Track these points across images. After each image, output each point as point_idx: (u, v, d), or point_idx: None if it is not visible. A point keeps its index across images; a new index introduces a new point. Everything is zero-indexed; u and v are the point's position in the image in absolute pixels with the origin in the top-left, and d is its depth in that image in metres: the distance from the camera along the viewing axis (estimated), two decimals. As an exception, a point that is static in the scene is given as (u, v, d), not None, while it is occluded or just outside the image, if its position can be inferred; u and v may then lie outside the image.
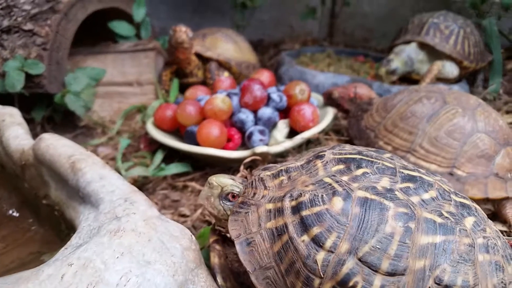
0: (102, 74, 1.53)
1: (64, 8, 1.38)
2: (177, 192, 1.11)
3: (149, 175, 1.11)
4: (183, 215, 1.00)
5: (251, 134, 1.17)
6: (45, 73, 1.31)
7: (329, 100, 1.36)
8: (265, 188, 0.66)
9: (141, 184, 1.12)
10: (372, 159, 0.64)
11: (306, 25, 2.50)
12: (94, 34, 1.66)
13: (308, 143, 1.25)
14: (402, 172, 0.63)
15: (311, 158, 0.68)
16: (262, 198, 0.65)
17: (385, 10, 2.41)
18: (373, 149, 0.72)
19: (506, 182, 0.95)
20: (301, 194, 0.60)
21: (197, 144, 1.15)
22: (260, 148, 1.09)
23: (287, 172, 0.67)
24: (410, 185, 0.61)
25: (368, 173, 0.62)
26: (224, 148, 1.16)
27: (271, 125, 1.22)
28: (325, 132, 1.31)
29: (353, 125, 1.20)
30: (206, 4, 2.48)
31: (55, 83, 1.35)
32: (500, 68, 1.79)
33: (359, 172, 0.62)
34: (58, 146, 0.78)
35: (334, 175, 0.62)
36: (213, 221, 0.90)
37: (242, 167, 1.07)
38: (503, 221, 0.97)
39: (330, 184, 0.60)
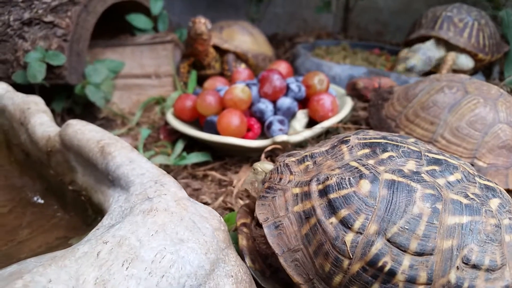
0: (121, 67, 1.54)
1: (84, 0, 1.39)
2: (198, 181, 1.12)
3: (171, 164, 1.12)
4: (205, 203, 1.01)
5: (270, 124, 1.17)
6: (66, 64, 1.33)
7: (353, 90, 1.37)
8: (291, 173, 0.67)
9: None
10: (397, 143, 0.65)
11: (320, 19, 2.51)
12: (112, 27, 1.67)
13: (327, 133, 1.26)
14: (428, 156, 0.64)
15: (335, 143, 0.68)
16: (288, 182, 0.66)
17: (399, 4, 2.40)
18: (397, 134, 0.73)
19: (528, 173, 0.95)
20: (328, 177, 0.60)
21: (217, 133, 1.16)
22: (280, 137, 1.10)
23: (312, 157, 0.68)
24: (436, 167, 0.62)
25: (394, 157, 0.62)
26: (243, 137, 1.17)
27: (290, 115, 1.23)
28: (343, 122, 1.32)
29: (373, 114, 1.20)
30: (220, -2, 2.50)
31: (76, 74, 1.37)
32: (516, 59, 1.78)
33: (385, 155, 0.63)
34: (86, 132, 0.79)
35: (360, 159, 0.63)
36: (236, 208, 0.91)
37: (263, 156, 1.07)
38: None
39: (356, 168, 0.61)
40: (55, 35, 1.34)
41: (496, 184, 0.66)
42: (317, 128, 1.17)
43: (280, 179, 0.67)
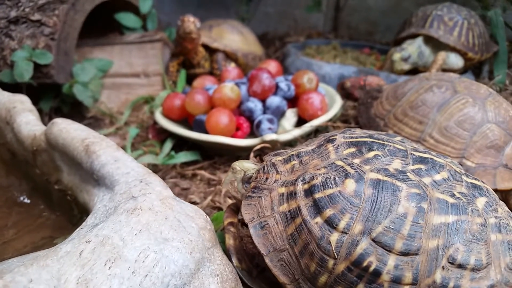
0: (109, 65, 1.53)
1: (72, -2, 1.38)
2: (187, 181, 1.11)
3: (159, 163, 1.11)
4: (193, 203, 1.00)
5: (259, 123, 1.17)
6: (53, 63, 1.32)
7: (343, 90, 1.37)
8: (277, 172, 0.67)
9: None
10: (383, 142, 0.65)
11: (311, 19, 2.51)
12: (101, 26, 1.66)
13: (317, 132, 1.25)
14: (414, 154, 0.63)
15: (322, 142, 0.68)
16: (274, 182, 0.65)
17: (389, 4, 2.41)
18: (383, 133, 0.72)
19: (516, 173, 0.95)
20: (313, 177, 0.60)
21: (206, 133, 1.15)
22: (269, 136, 1.10)
23: (298, 156, 0.68)
24: (422, 166, 0.61)
25: (379, 156, 0.62)
26: (232, 136, 1.16)
27: (279, 114, 1.23)
28: (333, 121, 1.32)
29: (362, 113, 1.20)
30: (210, -3, 2.49)
31: (63, 73, 1.36)
32: (505, 58, 1.79)
33: (371, 154, 0.63)
34: (71, 130, 0.79)
35: (345, 158, 0.62)
36: (224, 208, 0.91)
37: (252, 155, 1.07)
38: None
39: (342, 167, 0.61)
40: (43, 34, 1.33)
41: (483, 182, 0.66)
42: (306, 127, 1.16)
43: (266, 178, 0.67)
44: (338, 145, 0.65)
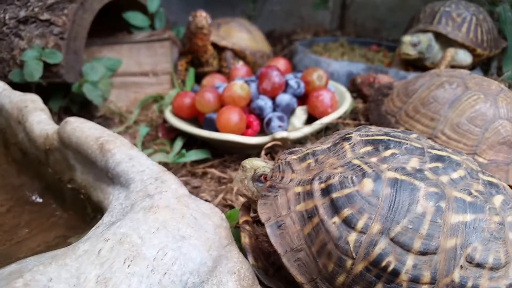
0: (118, 64, 1.53)
1: (81, -2, 1.39)
2: (197, 179, 1.11)
3: (170, 162, 1.11)
4: (205, 201, 1.00)
5: (269, 121, 1.17)
6: (63, 63, 1.32)
7: (353, 86, 1.37)
8: (293, 171, 0.66)
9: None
10: (400, 140, 0.64)
11: (317, 16, 2.50)
12: (109, 25, 1.66)
13: (327, 129, 1.25)
14: (430, 152, 0.63)
15: (337, 141, 0.68)
16: (290, 181, 0.65)
17: (395, 1, 2.40)
18: (399, 130, 0.72)
19: (528, 168, 0.95)
20: (330, 176, 0.60)
21: (216, 131, 1.15)
22: (280, 134, 1.09)
23: (314, 155, 0.67)
24: (439, 164, 0.61)
25: (396, 154, 0.62)
26: (243, 134, 1.16)
27: (289, 112, 1.22)
28: (343, 118, 1.31)
29: (373, 110, 1.20)
30: (217, -4, 2.49)
31: (73, 72, 1.36)
32: (514, 55, 1.78)
33: (388, 153, 0.62)
34: (84, 129, 0.78)
35: (362, 157, 0.62)
36: (236, 206, 0.91)
37: (263, 153, 1.07)
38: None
39: (359, 166, 0.60)
40: (52, 33, 1.33)
41: (500, 180, 0.66)
42: (317, 125, 1.16)
43: (282, 177, 0.66)
44: (354, 144, 0.65)
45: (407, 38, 1.61)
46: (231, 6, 2.51)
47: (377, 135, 0.66)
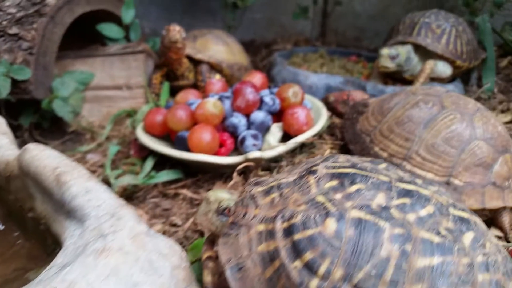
0: (90, 78, 1.50)
1: (51, 11, 1.35)
2: (168, 200, 1.08)
3: (139, 184, 1.08)
4: (174, 225, 0.97)
5: (244, 139, 1.14)
6: (32, 79, 1.28)
7: (327, 104, 1.34)
8: (257, 206, 0.63)
9: (131, 192, 1.09)
10: (367, 173, 0.61)
11: (298, 25, 2.48)
12: (83, 37, 1.62)
13: (302, 147, 1.23)
14: (398, 186, 0.60)
15: (303, 173, 0.65)
16: (253, 218, 0.62)
17: (377, 9, 2.39)
18: (367, 159, 0.69)
19: (504, 191, 0.93)
20: (293, 215, 0.57)
21: (188, 150, 1.12)
22: (253, 154, 1.06)
23: (279, 188, 0.64)
24: (407, 200, 0.58)
25: (362, 190, 0.59)
26: (216, 153, 1.13)
27: (264, 129, 1.20)
28: (319, 135, 1.29)
29: (348, 128, 1.17)
30: (196, 4, 2.45)
31: (42, 88, 1.32)
32: (493, 66, 1.78)
33: (353, 188, 0.59)
34: (43, 158, 0.75)
35: (327, 193, 0.59)
36: (206, 232, 0.87)
37: (235, 174, 1.04)
38: (500, 228, 0.95)
39: (323, 204, 0.57)
40: (20, 48, 1.29)
41: (471, 212, 0.63)
42: (291, 143, 1.14)
43: (245, 213, 0.63)
44: (320, 177, 0.62)
45: (385, 51, 1.59)
46: (212, 14, 2.48)
47: (344, 167, 0.63)
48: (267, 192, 0.65)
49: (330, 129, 1.38)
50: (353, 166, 0.64)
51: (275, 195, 0.63)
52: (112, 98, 1.51)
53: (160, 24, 2.42)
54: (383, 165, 0.67)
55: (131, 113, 1.47)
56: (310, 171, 0.64)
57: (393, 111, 1.07)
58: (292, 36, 2.52)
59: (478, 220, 0.62)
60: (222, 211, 0.69)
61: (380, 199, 0.58)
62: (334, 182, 0.60)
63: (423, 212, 0.57)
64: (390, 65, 1.60)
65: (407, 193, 0.59)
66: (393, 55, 1.58)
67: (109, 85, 1.51)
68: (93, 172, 1.20)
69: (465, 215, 0.60)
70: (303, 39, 2.52)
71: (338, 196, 0.58)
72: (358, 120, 1.16)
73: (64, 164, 0.73)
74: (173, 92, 1.57)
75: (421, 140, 0.98)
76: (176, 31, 1.41)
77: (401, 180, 0.63)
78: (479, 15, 1.90)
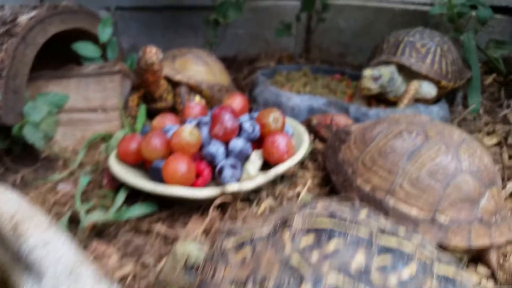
0: (64, 100, 1.44)
1: (22, 31, 1.29)
2: (142, 236, 1.02)
3: (110, 220, 1.02)
4: (146, 266, 0.92)
5: (221, 169, 1.09)
6: (1, 104, 1.22)
7: (309, 127, 1.30)
8: (227, 264, 0.59)
9: (103, 227, 1.04)
10: (346, 227, 0.57)
11: (282, 40, 2.45)
12: (59, 56, 1.57)
13: (283, 176, 1.18)
14: (379, 243, 0.56)
15: (278, 225, 0.60)
16: (222, 279, 0.57)
17: (361, 25, 2.36)
18: (347, 205, 0.65)
19: (491, 228, 0.89)
20: (265, 278, 0.52)
21: (163, 180, 1.07)
22: (231, 187, 1.02)
23: (251, 242, 0.59)
24: (387, 260, 0.54)
25: (340, 249, 0.54)
26: (193, 184, 1.08)
27: (243, 158, 1.15)
28: (301, 161, 1.25)
29: (330, 157, 1.13)
30: (178, 20, 2.41)
31: (12, 114, 1.26)
32: (478, 85, 1.75)
33: (331, 246, 0.55)
34: (1, 203, 0.70)
35: (302, 252, 0.54)
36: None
37: (211, 210, 1.00)
38: (487, 265, 0.91)
39: (297, 266, 0.53)
40: (-12, 72, 1.24)
41: (457, 265, 0.59)
42: (271, 174, 1.09)
43: (214, 272, 0.59)
44: (295, 233, 0.57)
45: (367, 72, 1.56)
46: (194, 29, 2.44)
47: (321, 219, 0.59)
48: (239, 247, 0.60)
49: (312, 155, 1.34)
50: (332, 216, 0.59)
51: (247, 252, 0.59)
52: (87, 121, 1.45)
53: (141, 39, 2.37)
54: (363, 213, 0.63)
55: (106, 138, 1.41)
56: (285, 223, 0.59)
57: (376, 140, 1.03)
58: (276, 52, 2.49)
59: (464, 276, 0.58)
60: (191, 266, 0.64)
61: (359, 257, 0.53)
62: (310, 239, 0.56)
63: (405, 273, 0.53)
64: (373, 87, 1.56)
65: (388, 250, 0.55)
66: (375, 76, 1.55)
67: (84, 108, 1.46)
68: (64, 204, 1.14)
69: (450, 273, 0.56)
70: (287, 55, 2.48)
71: (314, 256, 0.53)
72: (340, 148, 1.12)
73: (23, 210, 0.68)
74: (151, 114, 1.52)
75: (405, 172, 0.94)
76: (152, 52, 1.35)
77: (383, 231, 0.58)
78: (464, 32, 1.87)
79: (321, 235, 0.56)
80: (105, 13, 2.24)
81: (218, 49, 2.32)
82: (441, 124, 1.02)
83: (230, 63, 2.39)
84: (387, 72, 1.57)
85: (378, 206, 0.95)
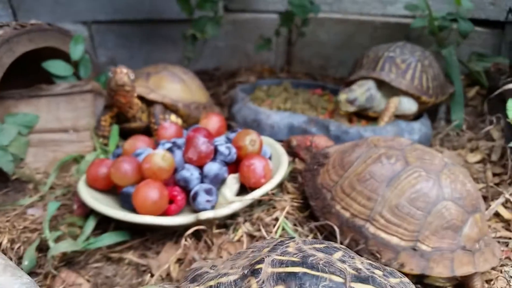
0: (35, 121, 1.39)
1: (-13, 51, 1.24)
2: (113, 265, 0.98)
3: (78, 249, 0.97)
4: None
5: (196, 195, 1.05)
6: (-35, 126, 1.17)
7: (289, 148, 1.27)
8: None
9: (72, 255, 0.99)
10: (318, 273, 0.53)
11: (263, 53, 2.41)
12: (31, 74, 1.52)
13: (261, 200, 1.14)
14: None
15: (246, 272, 0.56)
16: None
17: (342, 38, 2.34)
18: (322, 245, 0.61)
19: (474, 255, 0.86)
20: None
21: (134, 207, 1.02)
22: (205, 214, 0.97)
23: None
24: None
25: None
26: (166, 211, 1.04)
27: (219, 183, 1.11)
28: (279, 184, 1.21)
29: (308, 181, 1.09)
30: (157, 33, 2.36)
31: (-22, 136, 1.21)
32: (461, 100, 1.73)
33: None
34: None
35: None
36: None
37: (183, 240, 0.95)
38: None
39: None
40: (-49, 93, 1.18)
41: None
42: (248, 200, 1.05)
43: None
44: (263, 281, 0.53)
45: (342, 97, 1.53)
46: (172, 41, 2.39)
47: (292, 263, 0.55)
48: (204, 294, 0.56)
49: (292, 175, 1.30)
50: (304, 261, 0.55)
51: (212, 302, 0.54)
52: (58, 142, 1.40)
53: (119, 52, 2.32)
54: (338, 254, 0.59)
55: (78, 159, 1.36)
56: (253, 271, 0.55)
57: (355, 165, 0.99)
58: (257, 65, 2.46)
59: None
60: None
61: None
62: (280, 287, 0.52)
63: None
64: (351, 109, 1.54)
65: (362, 302, 0.51)
66: (351, 100, 1.52)
67: (55, 128, 1.40)
68: (33, 231, 1.08)
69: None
70: (268, 68, 2.45)
71: (283, 311, 0.49)
72: (319, 172, 1.08)
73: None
74: (126, 134, 1.47)
75: (385, 200, 0.90)
76: (123, 73, 1.30)
77: (358, 276, 0.54)
78: (446, 45, 1.86)
79: (291, 283, 0.52)
80: (82, 27, 2.19)
81: (198, 62, 2.29)
82: (421, 148, 0.98)
83: (210, 77, 2.36)
84: (361, 91, 1.54)
85: (358, 233, 0.92)
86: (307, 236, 1.03)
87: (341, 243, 0.92)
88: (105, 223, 1.08)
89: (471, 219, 0.88)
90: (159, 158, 1.04)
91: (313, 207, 1.03)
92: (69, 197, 1.22)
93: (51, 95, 1.44)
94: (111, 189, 1.15)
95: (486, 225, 0.94)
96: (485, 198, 1.23)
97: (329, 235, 0.99)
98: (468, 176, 0.95)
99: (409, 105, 1.60)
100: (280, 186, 1.24)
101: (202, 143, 1.08)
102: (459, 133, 1.63)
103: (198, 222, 0.98)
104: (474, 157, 1.46)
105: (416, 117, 1.67)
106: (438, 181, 0.89)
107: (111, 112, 1.45)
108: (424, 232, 0.86)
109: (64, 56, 1.53)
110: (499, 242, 1.03)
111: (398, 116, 1.61)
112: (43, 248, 1.01)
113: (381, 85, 1.61)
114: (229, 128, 1.66)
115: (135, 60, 2.37)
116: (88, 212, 1.11)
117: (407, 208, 0.88)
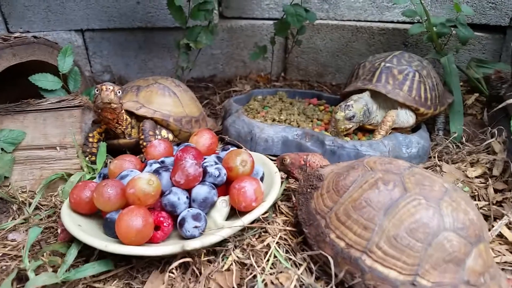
0: (21, 137, 1.34)
1: (-30, 66, 1.20)
2: (96, 297, 0.93)
3: (59, 282, 0.92)
4: None
5: (183, 221, 1.00)
6: None
7: (282, 165, 1.22)
8: None
9: (53, 286, 0.94)
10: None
11: (259, 60, 2.37)
12: (17, 89, 1.47)
13: (252, 223, 1.09)
14: None
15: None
16: None
17: (338, 44, 2.29)
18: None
19: (478, 291, 0.81)
20: None
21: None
22: (191, 244, 0.92)
23: None
24: None
25: None
26: (151, 238, 0.99)
27: (208, 207, 1.06)
28: (273, 203, 1.16)
29: (302, 205, 1.04)
30: (152, 40, 2.32)
31: (-42, 156, 1.17)
32: (461, 110, 1.68)
33: None
34: None
35: None
36: None
37: (168, 271, 0.90)
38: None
39: None
40: None
41: None
42: (237, 226, 1.00)
43: None
44: None
45: (340, 115, 1.48)
46: (168, 49, 2.35)
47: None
48: None
49: (286, 195, 1.25)
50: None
51: None
52: (45, 159, 1.35)
53: (114, 60, 2.28)
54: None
55: (65, 177, 1.31)
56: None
57: (350, 190, 0.94)
58: (253, 73, 2.41)
59: None
60: None
61: None
62: None
63: None
64: (350, 126, 1.49)
65: None
66: (349, 117, 1.47)
67: (42, 145, 1.36)
68: (13, 258, 1.04)
69: None
70: (264, 74, 2.41)
71: None
72: (313, 196, 1.03)
73: None
74: (115, 151, 1.43)
75: (382, 230, 0.85)
76: (110, 90, 1.25)
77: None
78: (444, 51, 1.81)
79: None
80: (76, 35, 2.15)
81: (193, 70, 2.25)
82: (420, 172, 0.93)
83: (207, 84, 2.32)
84: (359, 106, 1.49)
85: (353, 265, 0.86)
86: (300, 265, 0.98)
87: (336, 276, 0.88)
88: (88, 250, 1.03)
89: (475, 250, 0.83)
90: (145, 182, 0.99)
91: (307, 235, 0.98)
92: (54, 219, 1.18)
93: (38, 111, 1.39)
94: (97, 212, 1.10)
95: (491, 256, 0.88)
96: (486, 217, 1.18)
97: (324, 265, 0.94)
98: (470, 203, 0.90)
99: (407, 117, 1.56)
100: (274, 206, 1.19)
101: (189, 166, 1.03)
102: (459, 145, 1.58)
103: (184, 253, 0.93)
104: (474, 172, 1.41)
105: (414, 128, 1.62)
106: (439, 209, 0.84)
107: (99, 128, 1.40)
108: (425, 265, 0.81)
109: (53, 68, 1.48)
110: (503, 269, 0.98)
111: (396, 129, 1.56)
112: (22, 278, 0.96)
113: (378, 95, 1.56)
114: (222, 140, 1.62)
115: (130, 68, 2.34)
116: (71, 237, 1.06)
117: (406, 239, 0.82)
